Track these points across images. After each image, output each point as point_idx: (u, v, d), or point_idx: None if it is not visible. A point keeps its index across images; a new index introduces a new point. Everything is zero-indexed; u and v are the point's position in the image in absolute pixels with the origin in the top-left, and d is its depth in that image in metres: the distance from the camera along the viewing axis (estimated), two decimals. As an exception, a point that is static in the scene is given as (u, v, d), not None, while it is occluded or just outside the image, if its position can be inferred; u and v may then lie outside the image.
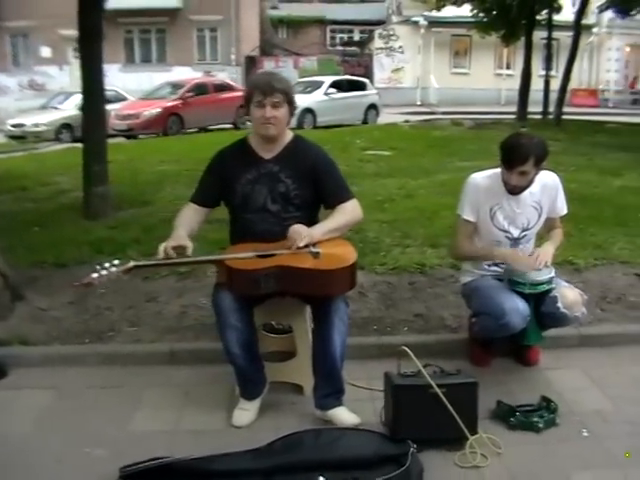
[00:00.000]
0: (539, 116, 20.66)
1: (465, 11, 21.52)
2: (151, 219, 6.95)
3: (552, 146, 10.29)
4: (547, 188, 3.98)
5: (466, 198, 3.97)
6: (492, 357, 4.08)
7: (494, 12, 19.88)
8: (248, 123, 19.93)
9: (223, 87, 21.88)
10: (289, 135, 3.60)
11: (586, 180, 9.13)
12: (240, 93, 22.38)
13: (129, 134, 17.97)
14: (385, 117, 22.28)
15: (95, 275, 3.17)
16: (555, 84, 20.97)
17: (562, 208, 4.08)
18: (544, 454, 3.17)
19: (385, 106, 23.79)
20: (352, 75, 25.85)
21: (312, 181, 3.50)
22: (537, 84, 21.49)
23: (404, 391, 3.16)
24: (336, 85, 21.02)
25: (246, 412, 3.44)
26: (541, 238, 4.17)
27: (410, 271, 5.45)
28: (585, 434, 3.34)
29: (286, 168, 3.49)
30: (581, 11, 18.85)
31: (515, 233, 3.95)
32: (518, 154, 3.68)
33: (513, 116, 21.01)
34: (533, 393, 3.61)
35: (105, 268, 3.19)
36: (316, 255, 3.26)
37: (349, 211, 3.54)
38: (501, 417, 3.40)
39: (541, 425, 3.33)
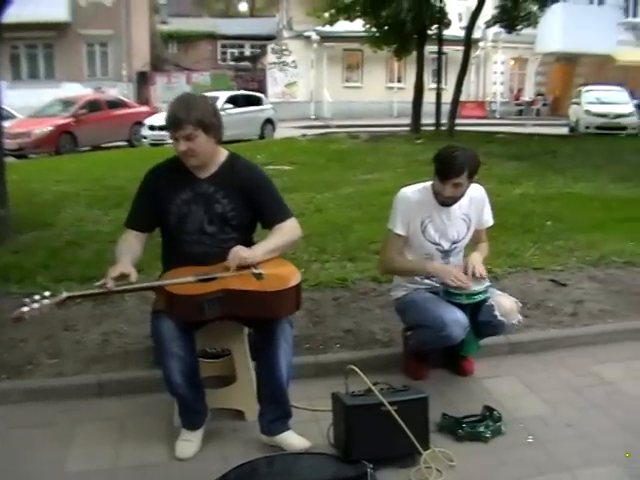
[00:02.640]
0: (432, 128, 21.22)
1: (357, 26, 21.85)
2: (56, 242, 6.70)
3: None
4: (475, 201, 4.05)
5: (397, 212, 3.98)
6: (428, 369, 4.11)
7: (386, 27, 20.27)
8: (144, 140, 19.65)
9: (116, 104, 21.38)
10: (223, 154, 3.49)
11: (488, 189, 9.36)
12: (134, 109, 22.00)
13: (20, 153, 17.25)
14: (281, 132, 22.36)
15: (26, 309, 2.93)
16: (445, 97, 21.60)
17: (488, 220, 4.18)
18: (496, 463, 3.21)
19: (280, 120, 23.87)
20: (246, 90, 25.80)
21: (249, 201, 3.42)
22: (428, 97, 22.08)
23: (356, 411, 3.12)
24: (232, 100, 20.91)
25: (190, 443, 3.30)
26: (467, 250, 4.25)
27: (333, 287, 5.47)
28: (530, 440, 3.41)
29: (222, 188, 3.39)
30: (471, 27, 19.48)
31: (446, 245, 4.00)
32: (453, 166, 3.73)
33: (407, 128, 21.52)
34: (474, 403, 3.65)
35: (36, 301, 2.95)
36: (259, 276, 3.19)
37: (288, 230, 3.48)
38: (448, 430, 3.42)
39: (488, 435, 3.37)
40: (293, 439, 3.29)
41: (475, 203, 4.06)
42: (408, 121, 21.94)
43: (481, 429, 3.39)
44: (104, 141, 19.70)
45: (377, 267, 4.76)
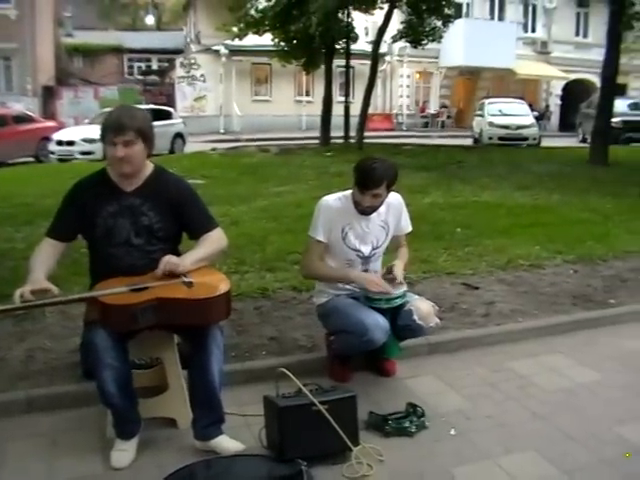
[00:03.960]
0: (341, 140, 21.56)
1: (266, 40, 22.00)
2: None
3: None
4: (392, 208, 4.24)
5: (318, 220, 4.11)
6: (352, 372, 4.24)
7: (295, 41, 20.50)
8: (51, 156, 19.15)
9: (22, 118, 20.74)
10: (150, 167, 3.55)
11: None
12: (41, 124, 21.45)
13: None
14: (191, 146, 22.25)
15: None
16: (353, 110, 21.99)
17: (407, 226, 4.38)
18: (422, 455, 3.38)
19: (189, 135, 23.74)
20: (154, 104, 25.53)
21: (175, 213, 3.49)
22: (336, 110, 22.43)
23: (289, 412, 3.23)
24: (141, 115, 20.67)
25: (125, 452, 3.32)
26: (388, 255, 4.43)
27: (253, 297, 5.57)
28: (453, 432, 3.61)
29: (148, 201, 3.45)
30: (377, 41, 19.90)
31: (366, 252, 4.16)
32: (373, 177, 3.90)
33: (316, 141, 21.77)
34: (398, 401, 3.81)
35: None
36: (189, 285, 3.26)
37: (216, 239, 3.58)
38: (375, 426, 3.57)
39: (413, 429, 3.54)
40: (227, 443, 3.36)
41: (393, 210, 4.24)
42: (317, 134, 22.21)
43: (406, 424, 3.56)
44: (10, 157, 19.08)
45: (299, 271, 4.90)
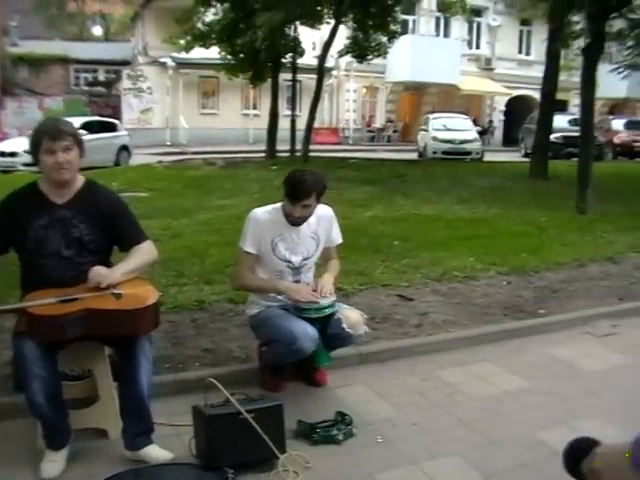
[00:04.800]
0: (287, 154, 21.66)
1: (213, 53, 22.04)
2: None
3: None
4: (323, 220, 4.34)
5: (248, 232, 4.19)
6: (284, 382, 4.31)
7: (242, 55, 20.58)
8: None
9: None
10: (80, 180, 3.58)
11: (340, 212, 9.76)
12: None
13: None
14: (137, 158, 22.11)
15: None
16: (300, 123, 22.13)
17: (337, 238, 4.48)
18: (348, 462, 3.46)
19: (135, 147, 23.59)
20: (100, 116, 25.32)
21: (106, 225, 3.53)
22: (283, 123, 22.55)
23: (216, 420, 3.27)
24: (86, 126, 20.46)
25: (55, 463, 3.32)
26: (320, 268, 4.52)
27: (190, 309, 5.60)
28: (380, 440, 3.69)
29: (79, 213, 3.48)
30: (323, 56, 20.09)
31: (296, 262, 4.25)
32: (302, 189, 4.00)
33: (262, 154, 21.85)
34: (328, 410, 3.88)
35: None
36: (118, 296, 3.30)
37: (146, 251, 3.62)
38: (303, 435, 3.64)
39: (340, 437, 3.62)
40: (156, 452, 3.40)
41: (323, 222, 4.35)
42: (264, 147, 22.29)
43: (334, 432, 3.63)
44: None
45: (230, 283, 4.95)
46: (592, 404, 4.18)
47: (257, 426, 3.26)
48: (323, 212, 4.35)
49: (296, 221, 4.15)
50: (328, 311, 4.04)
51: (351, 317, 4.08)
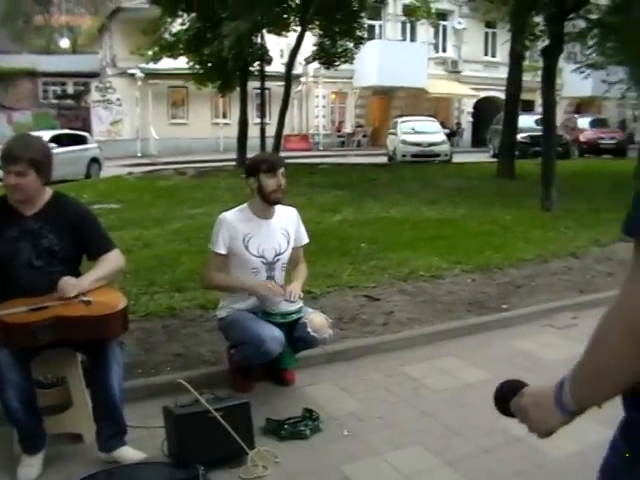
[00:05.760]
0: (258, 161, 21.72)
1: (181, 63, 22.13)
2: None
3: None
4: (290, 218, 4.56)
5: (218, 233, 4.35)
6: (253, 382, 4.43)
7: (209, 64, 20.68)
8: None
9: None
10: (48, 193, 3.70)
11: (309, 217, 9.96)
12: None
13: None
14: (108, 170, 22.04)
15: None
16: (270, 131, 22.25)
17: (304, 237, 4.67)
18: (316, 455, 3.60)
19: (106, 159, 23.53)
20: (70, 129, 25.23)
21: (74, 235, 3.64)
22: (253, 131, 22.69)
23: (185, 419, 3.40)
24: (56, 140, 20.42)
25: (31, 468, 3.41)
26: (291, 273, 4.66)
27: (162, 316, 5.70)
28: (346, 433, 3.84)
29: (47, 224, 3.59)
30: (291, 63, 20.24)
31: (269, 257, 4.39)
32: (276, 157, 4.43)
33: (233, 163, 21.94)
34: (296, 408, 4.02)
35: None
36: (87, 303, 3.42)
37: (113, 260, 3.73)
38: (272, 431, 3.77)
39: (308, 432, 3.76)
40: (130, 453, 3.51)
41: (291, 220, 4.56)
42: (234, 156, 22.39)
43: (301, 428, 3.77)
44: None
45: (200, 283, 5.08)
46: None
47: (225, 423, 3.38)
48: (289, 211, 4.59)
49: (277, 197, 4.33)
50: (294, 316, 4.21)
51: (316, 321, 4.23)
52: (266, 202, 4.36)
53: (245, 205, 4.44)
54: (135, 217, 10.79)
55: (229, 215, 4.39)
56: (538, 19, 14.00)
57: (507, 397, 1.51)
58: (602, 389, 1.26)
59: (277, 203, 4.39)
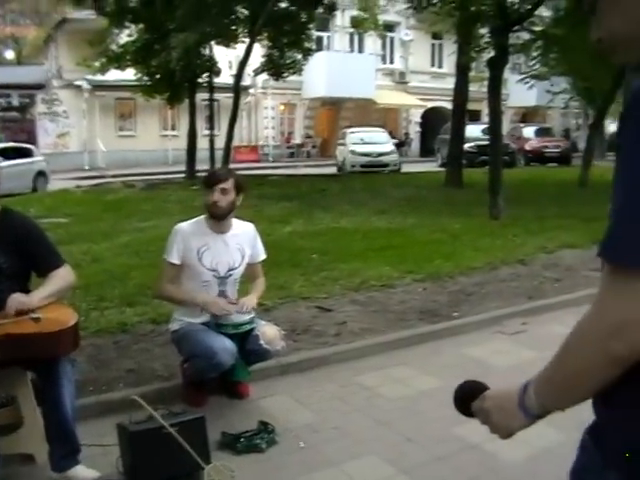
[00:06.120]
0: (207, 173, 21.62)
1: (129, 75, 21.94)
2: None
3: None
4: (247, 234, 4.57)
5: (172, 243, 4.35)
6: (207, 396, 4.41)
7: (157, 76, 20.54)
8: None
9: None
10: (-4, 207, 3.65)
11: (259, 229, 9.95)
12: None
13: None
14: (55, 184, 21.69)
15: None
16: (219, 142, 22.17)
17: (261, 253, 4.68)
18: (272, 468, 3.60)
19: (53, 172, 23.14)
20: (15, 142, 24.75)
21: (22, 251, 3.58)
22: (202, 143, 22.58)
23: (140, 436, 3.37)
24: (1, 153, 20.09)
25: (-19, 490, 3.38)
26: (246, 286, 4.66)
27: (113, 331, 5.64)
28: (302, 445, 3.85)
29: (-6, 240, 3.54)
30: (239, 75, 20.22)
31: (222, 272, 4.39)
32: (217, 172, 4.40)
33: (182, 175, 21.81)
34: (251, 421, 4.01)
35: None
36: (37, 320, 3.36)
37: (63, 276, 3.68)
38: (227, 445, 3.76)
39: (264, 445, 3.76)
40: (83, 472, 3.46)
41: (248, 236, 4.56)
42: (184, 168, 22.27)
43: (257, 441, 3.77)
44: None
45: (152, 293, 5.05)
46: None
47: (181, 439, 3.36)
48: (247, 228, 4.60)
49: (217, 210, 4.31)
50: (247, 327, 4.21)
51: (268, 333, 4.24)
52: (209, 216, 4.38)
53: (202, 217, 4.44)
54: (83, 231, 10.65)
55: (185, 226, 4.40)
56: (484, 31, 14.23)
57: (467, 398, 1.51)
58: (570, 395, 1.30)
59: (215, 218, 4.37)
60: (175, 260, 4.32)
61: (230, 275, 4.44)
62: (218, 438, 3.80)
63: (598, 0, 1.31)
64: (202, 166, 21.72)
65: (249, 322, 4.22)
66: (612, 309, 1.17)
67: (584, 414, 1.39)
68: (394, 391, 4.62)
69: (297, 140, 36.87)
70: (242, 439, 3.76)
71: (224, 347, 4.00)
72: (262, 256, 4.69)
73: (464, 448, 3.72)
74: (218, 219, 4.38)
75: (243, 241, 4.50)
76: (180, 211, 12.97)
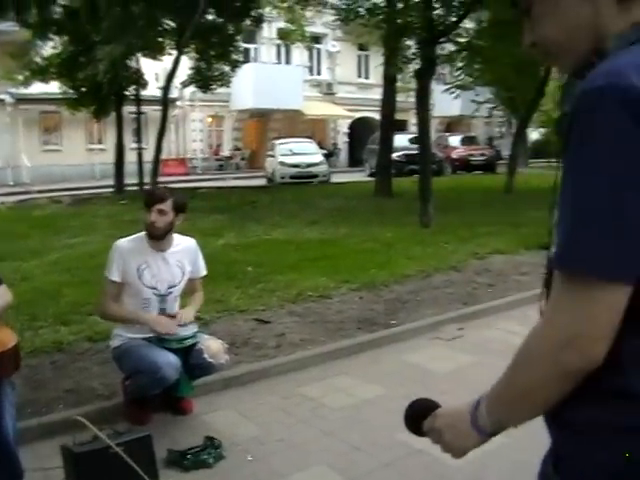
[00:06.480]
0: (136, 187, 21.34)
1: (54, 87, 21.49)
2: None
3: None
4: (188, 250, 4.53)
5: (113, 260, 4.30)
6: (150, 414, 4.35)
7: (83, 89, 20.19)
8: None
9: None
10: None
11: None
12: None
13: None
14: (-23, 201, 21.13)
15: None
16: (147, 156, 21.92)
17: (202, 269, 4.66)
18: (221, 483, 3.59)
19: (-25, 189, 22.55)
20: None
21: None
22: (130, 156, 22.28)
23: (86, 457, 3.31)
24: None
25: None
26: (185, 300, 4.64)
27: (48, 351, 5.53)
28: (250, 458, 3.85)
29: None
30: (167, 87, 20.04)
31: (162, 289, 4.36)
32: (156, 192, 4.33)
33: (111, 189, 21.48)
34: (196, 436, 4.00)
35: None
36: (-25, 343, 3.28)
37: (1, 295, 3.60)
38: (175, 462, 3.74)
39: (211, 460, 3.75)
40: (26, 496, 3.38)
41: (188, 252, 4.52)
42: (111, 182, 21.93)
43: (204, 456, 3.75)
44: None
45: (94, 311, 4.96)
46: (444, 402, 4.42)
47: (128, 458, 3.32)
48: (188, 243, 4.56)
49: (154, 230, 4.27)
50: (190, 342, 4.19)
51: (212, 347, 4.24)
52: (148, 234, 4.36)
53: (143, 234, 4.38)
54: (11, 249, 10.34)
55: (124, 243, 4.35)
56: (410, 43, 14.48)
57: (418, 417, 1.47)
58: (522, 411, 1.26)
59: (153, 238, 4.34)
60: (116, 278, 4.27)
61: (170, 293, 4.42)
62: (164, 456, 3.76)
63: (535, 4, 1.30)
64: (130, 180, 21.48)
65: (192, 336, 4.20)
66: (565, 319, 1.13)
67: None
68: (337, 401, 4.66)
69: (226, 152, 36.66)
70: (189, 455, 3.74)
71: (168, 362, 3.98)
72: (203, 272, 4.68)
73: (410, 454, 3.78)
74: (156, 239, 4.35)
75: (184, 257, 4.48)
76: (110, 226, 12.81)
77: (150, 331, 4.25)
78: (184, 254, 4.48)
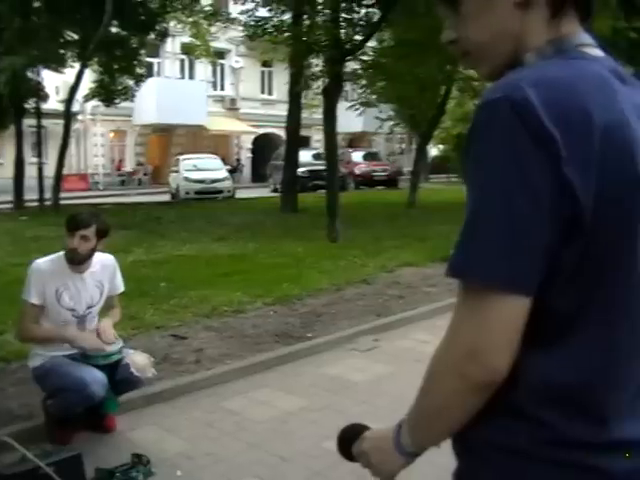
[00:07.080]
0: (36, 203, 20.74)
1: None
2: None
3: (53, 231, 10.85)
4: (107, 268, 4.48)
5: (31, 283, 4.20)
6: (73, 433, 4.28)
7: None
8: None
9: None
10: None
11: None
12: None
13: None
14: None
15: None
16: (48, 170, 21.35)
17: (120, 286, 4.62)
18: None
19: None
20: None
21: None
22: (30, 171, 21.66)
23: (15, 479, 3.25)
24: None
25: None
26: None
27: (-42, 374, 5.35)
28: (179, 474, 3.86)
29: None
30: (70, 100, 19.59)
31: (80, 310, 4.31)
32: (79, 217, 4.21)
33: (10, 205, 20.80)
34: (123, 454, 3.95)
35: None
36: None
37: None
38: (103, 481, 3.70)
39: (140, 477, 3.73)
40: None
41: (107, 270, 4.48)
42: (10, 198, 21.22)
43: (133, 474, 3.73)
44: None
45: (16, 337, 4.83)
46: (364, 411, 4.62)
47: (59, 479, 3.27)
48: (106, 260, 4.49)
49: (75, 256, 4.21)
50: (116, 357, 4.17)
51: (138, 361, 4.22)
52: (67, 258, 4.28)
53: (61, 254, 4.30)
54: None
55: (42, 264, 4.25)
56: (318, 61, 14.72)
57: (349, 441, 1.43)
58: (436, 428, 1.22)
59: (72, 263, 4.27)
60: (35, 300, 4.18)
61: (89, 313, 4.37)
62: (92, 475, 3.71)
63: (465, 2, 1.24)
64: (30, 195, 20.84)
65: (118, 352, 4.18)
66: (465, 331, 1.10)
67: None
68: (261, 413, 4.71)
69: (128, 168, 36.09)
70: (117, 473, 3.70)
71: (95, 378, 3.94)
72: (120, 289, 4.64)
73: (340, 461, 3.83)
74: (76, 264, 4.29)
75: (102, 276, 4.43)
76: (11, 243, 12.40)
77: (71, 348, 4.20)
78: (103, 273, 4.43)
